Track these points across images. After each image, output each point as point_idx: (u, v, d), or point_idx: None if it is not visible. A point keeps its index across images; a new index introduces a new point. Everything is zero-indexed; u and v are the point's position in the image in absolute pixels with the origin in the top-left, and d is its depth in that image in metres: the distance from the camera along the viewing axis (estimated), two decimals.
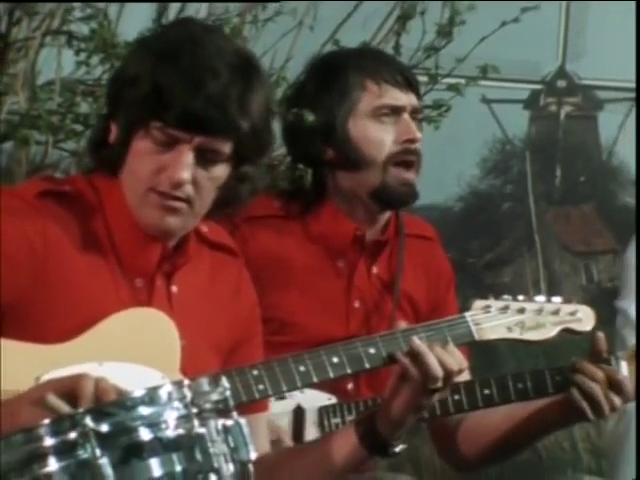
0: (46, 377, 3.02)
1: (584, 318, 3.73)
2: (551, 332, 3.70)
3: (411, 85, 4.08)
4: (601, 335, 3.82)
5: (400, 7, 5.34)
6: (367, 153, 3.91)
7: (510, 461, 4.06)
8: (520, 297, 3.73)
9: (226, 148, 3.30)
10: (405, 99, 4.01)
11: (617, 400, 3.74)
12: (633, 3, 6.67)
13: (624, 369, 3.73)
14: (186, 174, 3.25)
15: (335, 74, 4.00)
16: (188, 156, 3.26)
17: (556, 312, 3.74)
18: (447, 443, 3.91)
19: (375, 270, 3.94)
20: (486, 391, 3.72)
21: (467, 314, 3.68)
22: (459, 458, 3.93)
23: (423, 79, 5.01)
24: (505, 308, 3.70)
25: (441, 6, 5.37)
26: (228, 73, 3.33)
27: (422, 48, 5.32)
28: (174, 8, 5.26)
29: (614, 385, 3.71)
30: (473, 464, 3.95)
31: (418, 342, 3.51)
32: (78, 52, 5.12)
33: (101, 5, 5.17)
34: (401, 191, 3.93)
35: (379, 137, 3.90)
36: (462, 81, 5.41)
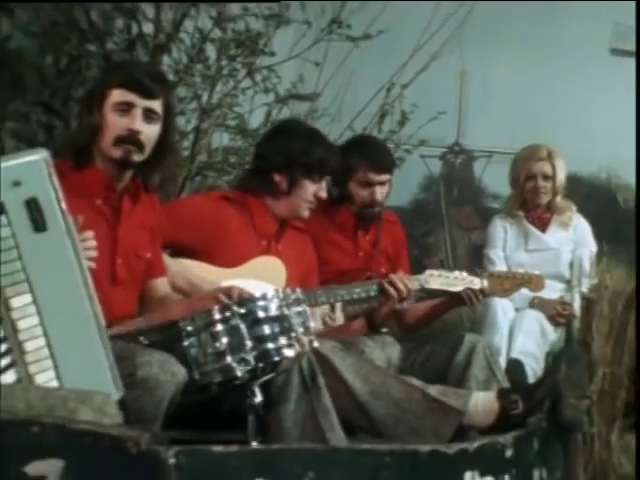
0: (222, 284, 2.94)
1: (477, 283, 3.63)
2: (460, 288, 3.59)
3: (389, 167, 3.71)
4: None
5: (380, 111, 5.28)
6: (360, 201, 3.74)
7: (432, 327, 3.98)
8: (449, 271, 3.66)
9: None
10: (382, 178, 3.64)
11: (481, 297, 3.66)
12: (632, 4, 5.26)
13: (485, 283, 3.65)
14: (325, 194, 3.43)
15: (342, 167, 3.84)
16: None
17: (464, 279, 3.62)
18: (400, 318, 3.84)
19: (368, 238, 3.83)
20: (420, 294, 3.65)
21: (420, 276, 3.52)
22: (406, 326, 3.84)
23: (391, 145, 4.90)
24: (440, 275, 3.55)
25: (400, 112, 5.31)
26: (334, 149, 3.42)
27: (390, 131, 5.26)
28: (274, 113, 5.18)
29: (481, 290, 3.63)
30: (413, 329, 3.85)
31: (395, 278, 3.43)
32: (230, 134, 5.09)
33: (240, 110, 5.11)
34: (371, 216, 3.80)
35: (368, 196, 3.76)
36: (410, 147, 5.35)
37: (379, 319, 3.51)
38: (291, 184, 3.29)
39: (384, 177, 3.67)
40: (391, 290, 3.43)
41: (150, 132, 2.80)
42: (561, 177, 4.37)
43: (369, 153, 3.71)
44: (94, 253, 2.33)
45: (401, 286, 3.43)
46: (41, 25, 4.90)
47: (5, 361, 2.07)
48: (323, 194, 3.33)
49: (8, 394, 1.94)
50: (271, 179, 3.29)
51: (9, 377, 2.06)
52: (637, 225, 4.31)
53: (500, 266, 4.23)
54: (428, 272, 3.58)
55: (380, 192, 3.66)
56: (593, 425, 3.69)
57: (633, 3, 5.07)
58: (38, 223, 2.07)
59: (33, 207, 2.06)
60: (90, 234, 2.32)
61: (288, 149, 3.29)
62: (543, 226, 4.41)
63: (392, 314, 3.57)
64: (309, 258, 3.47)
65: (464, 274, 3.62)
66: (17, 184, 2.04)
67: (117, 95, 2.77)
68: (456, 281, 3.59)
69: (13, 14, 4.85)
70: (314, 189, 3.31)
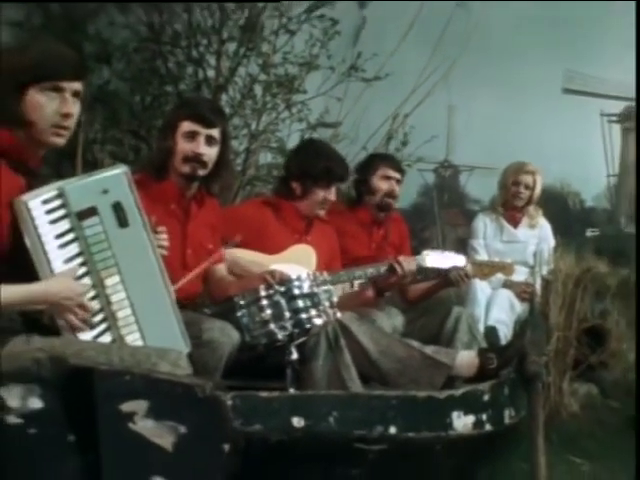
0: (267, 268, 2.92)
1: (462, 261, 3.51)
2: (449, 265, 3.53)
3: (401, 170, 3.62)
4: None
5: (387, 135, 5.28)
6: (378, 193, 3.71)
7: (428, 302, 3.91)
8: (441, 250, 3.59)
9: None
10: (397, 175, 3.54)
11: (467, 280, 3.58)
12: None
13: (469, 269, 3.59)
14: (334, 197, 3.20)
15: (368, 167, 3.64)
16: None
17: (452, 257, 3.48)
18: (403, 294, 3.78)
19: (381, 232, 3.81)
20: (419, 276, 3.59)
21: (418, 257, 3.37)
22: (408, 301, 3.79)
23: None
24: (434, 254, 3.53)
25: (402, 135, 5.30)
26: (339, 161, 3.23)
27: (395, 149, 5.26)
28: (306, 137, 5.15)
29: (466, 275, 3.56)
30: (413, 303, 3.80)
31: (402, 259, 3.37)
32: (272, 154, 5.08)
33: (280, 135, 5.09)
34: (388, 206, 3.74)
35: (388, 188, 3.71)
36: (410, 163, 5.32)
37: (383, 285, 3.36)
38: (303, 190, 3.19)
39: (398, 175, 3.62)
40: (397, 268, 3.36)
41: (211, 153, 2.77)
42: (538, 190, 4.34)
43: (388, 158, 3.76)
44: (166, 243, 2.33)
45: (405, 266, 3.36)
46: (131, 72, 4.95)
47: (102, 326, 2.08)
48: (332, 197, 3.22)
49: (107, 351, 1.97)
50: (290, 186, 3.21)
51: (106, 338, 2.08)
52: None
53: (481, 253, 4.20)
54: (425, 252, 3.51)
55: (396, 186, 3.61)
56: (549, 375, 3.69)
57: (583, 49, 4.99)
58: (122, 221, 2.09)
59: (118, 209, 2.08)
60: (164, 229, 2.33)
61: (301, 161, 3.21)
62: (515, 224, 4.36)
63: (394, 285, 3.42)
64: (333, 246, 3.37)
65: (452, 253, 3.50)
66: (105, 192, 2.07)
67: (185, 126, 2.75)
68: (446, 259, 3.55)
69: (111, 65, 4.93)
70: (323, 194, 3.18)
